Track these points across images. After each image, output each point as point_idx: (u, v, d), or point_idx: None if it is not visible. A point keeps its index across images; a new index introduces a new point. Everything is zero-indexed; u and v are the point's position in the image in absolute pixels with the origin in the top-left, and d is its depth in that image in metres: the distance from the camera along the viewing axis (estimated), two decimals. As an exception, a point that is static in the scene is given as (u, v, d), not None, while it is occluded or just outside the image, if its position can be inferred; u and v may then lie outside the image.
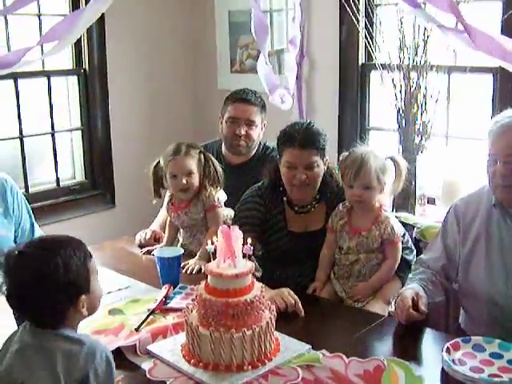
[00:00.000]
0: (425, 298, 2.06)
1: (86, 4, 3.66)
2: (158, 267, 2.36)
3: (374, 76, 3.67)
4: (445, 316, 2.50)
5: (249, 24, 4.02)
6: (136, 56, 4.05)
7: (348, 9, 3.36)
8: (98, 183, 4.05)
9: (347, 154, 2.39)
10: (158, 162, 2.67)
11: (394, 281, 2.37)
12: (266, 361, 1.79)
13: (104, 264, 2.61)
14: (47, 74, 3.74)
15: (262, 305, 1.81)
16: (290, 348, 1.87)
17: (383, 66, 3.35)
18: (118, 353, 1.86)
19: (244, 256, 1.82)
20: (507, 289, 2.06)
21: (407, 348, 1.94)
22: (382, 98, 3.71)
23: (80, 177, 4.05)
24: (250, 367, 1.76)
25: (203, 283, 1.86)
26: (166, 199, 3.04)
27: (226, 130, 2.94)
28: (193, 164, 2.59)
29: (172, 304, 2.18)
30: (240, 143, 2.92)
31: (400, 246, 2.36)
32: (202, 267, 2.32)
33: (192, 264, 2.51)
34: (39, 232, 2.75)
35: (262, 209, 2.45)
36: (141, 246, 2.84)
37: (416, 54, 3.17)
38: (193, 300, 2.18)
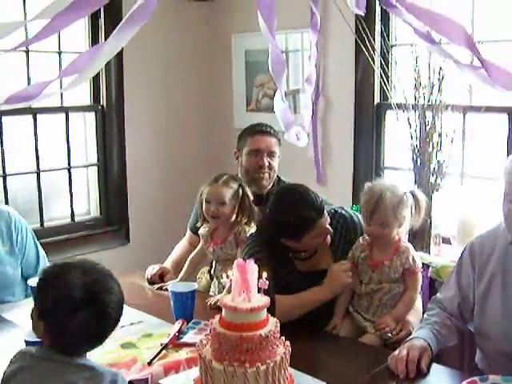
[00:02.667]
0: (429, 355, 2.01)
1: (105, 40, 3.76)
2: (172, 302, 2.35)
3: (390, 115, 3.69)
4: (459, 356, 2.45)
5: (265, 63, 4.08)
6: (153, 93, 4.11)
7: (364, 49, 3.41)
8: (113, 219, 4.07)
9: (365, 189, 2.38)
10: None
11: (414, 312, 2.37)
12: (281, 397, 1.76)
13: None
14: (65, 110, 3.80)
15: (276, 340, 1.79)
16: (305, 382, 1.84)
17: (399, 106, 3.37)
18: (130, 387, 1.85)
19: (259, 290, 1.80)
20: None
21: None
22: (397, 138, 3.74)
23: (95, 212, 4.06)
24: (264, 403, 1.73)
25: (217, 317, 1.84)
26: (187, 235, 3.05)
27: (247, 163, 2.94)
28: (227, 194, 2.60)
29: (185, 339, 2.16)
30: (263, 175, 2.92)
31: (420, 276, 2.35)
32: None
33: (215, 298, 2.50)
34: (45, 264, 2.76)
35: (269, 259, 2.42)
36: (148, 281, 2.83)
37: (431, 94, 3.19)
38: (206, 335, 2.19)
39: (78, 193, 3.96)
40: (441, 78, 3.20)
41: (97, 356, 2.02)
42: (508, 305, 2.08)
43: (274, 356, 1.77)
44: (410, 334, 2.25)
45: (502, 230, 2.16)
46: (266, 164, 2.91)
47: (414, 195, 2.37)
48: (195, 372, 1.88)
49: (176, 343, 2.13)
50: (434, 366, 2.00)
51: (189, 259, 2.81)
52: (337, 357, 2.10)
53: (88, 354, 1.97)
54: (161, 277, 2.83)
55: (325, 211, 2.35)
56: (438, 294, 2.32)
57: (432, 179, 3.29)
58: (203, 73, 4.34)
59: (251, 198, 2.68)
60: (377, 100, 3.70)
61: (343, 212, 2.53)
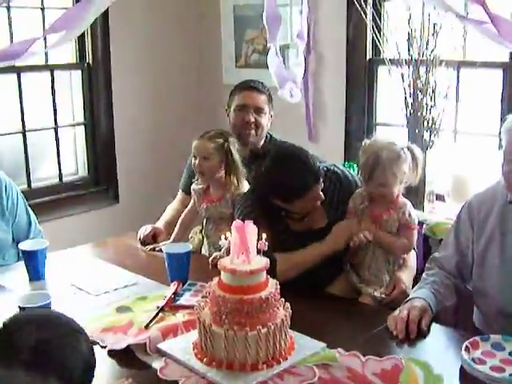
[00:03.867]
0: (430, 315, 2.00)
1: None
2: (167, 263, 2.31)
3: (382, 71, 3.63)
4: (456, 316, 2.45)
5: (254, 18, 4.03)
6: (140, 50, 4.00)
7: (356, 2, 3.32)
8: (101, 179, 4.00)
9: (362, 149, 2.33)
10: None
11: (407, 270, 2.36)
12: (281, 360, 1.74)
13: (109, 260, 2.59)
14: (50, 68, 3.68)
15: (276, 302, 1.77)
16: (305, 346, 1.82)
17: (392, 61, 3.30)
18: (128, 351, 1.83)
19: (258, 252, 1.77)
20: None
21: (423, 346, 1.90)
22: (390, 93, 3.69)
23: (83, 172, 3.99)
24: (264, 366, 1.71)
25: (216, 280, 1.81)
26: (178, 196, 3.00)
27: (234, 119, 2.89)
28: (210, 149, 2.57)
29: (181, 301, 2.13)
30: (249, 131, 2.86)
31: (416, 233, 2.33)
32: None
33: (216, 256, 2.47)
34: (36, 229, 2.71)
35: (261, 214, 2.38)
36: (141, 242, 2.80)
37: (427, 48, 3.12)
38: (203, 297, 2.16)
39: (65, 153, 3.87)
40: (435, 32, 3.13)
41: (92, 320, 2.01)
42: (506, 263, 2.07)
43: (274, 318, 1.75)
44: (403, 292, 2.25)
45: (500, 189, 2.13)
46: (252, 120, 2.85)
47: (411, 151, 2.33)
48: (193, 335, 1.87)
49: (172, 305, 2.10)
50: (434, 325, 1.99)
51: (180, 220, 2.78)
52: (336, 318, 2.07)
53: (81, 319, 1.96)
54: (154, 237, 2.79)
55: (321, 178, 2.30)
56: (436, 253, 2.30)
57: (426, 136, 3.25)
58: (191, 29, 4.23)
59: (235, 154, 2.62)
60: (369, 55, 3.63)
61: (336, 169, 2.48)
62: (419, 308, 1.99)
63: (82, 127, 3.92)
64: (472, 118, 3.41)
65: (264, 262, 1.76)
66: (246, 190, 2.59)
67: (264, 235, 1.77)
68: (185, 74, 4.27)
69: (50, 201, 3.73)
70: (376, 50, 3.60)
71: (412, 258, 2.41)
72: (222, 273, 1.76)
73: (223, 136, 2.61)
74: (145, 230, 2.80)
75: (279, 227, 2.39)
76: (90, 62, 3.81)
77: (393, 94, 3.62)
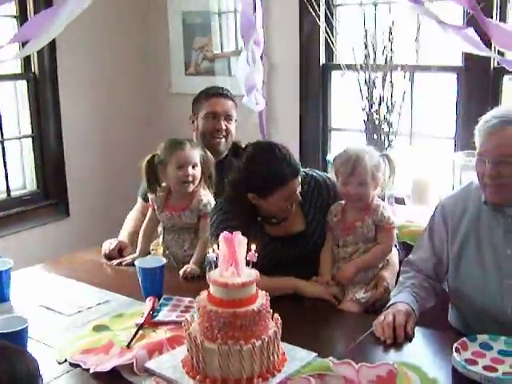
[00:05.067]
0: (414, 319, 2.02)
1: (33, 6, 3.51)
2: (140, 278, 2.23)
3: (335, 76, 3.65)
4: (433, 317, 2.47)
5: (204, 25, 3.98)
6: (87, 60, 3.86)
7: (309, 7, 3.32)
8: (51, 192, 3.85)
9: (341, 152, 2.35)
10: (153, 156, 2.58)
11: (389, 267, 2.36)
12: (275, 372, 1.70)
13: (76, 277, 2.48)
14: (-5, 79, 3.53)
15: (268, 313, 1.73)
16: (296, 357, 1.79)
17: (348, 67, 3.32)
18: (113, 372, 1.75)
19: (247, 264, 1.72)
20: (502, 300, 2.04)
21: (411, 350, 1.89)
22: (343, 99, 3.71)
23: (31, 186, 3.83)
24: (260, 380, 1.66)
25: (204, 294, 1.75)
26: (138, 205, 2.92)
27: (203, 127, 2.84)
28: (197, 157, 2.55)
29: (160, 317, 2.06)
30: (220, 140, 2.83)
31: (394, 234, 2.34)
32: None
33: (188, 269, 2.44)
34: None
35: (238, 221, 2.35)
36: (106, 257, 2.70)
37: (383, 54, 3.15)
38: (182, 311, 2.10)
39: (11, 166, 3.70)
40: (390, 37, 3.16)
41: (69, 342, 1.91)
42: (483, 263, 2.09)
43: (266, 330, 1.72)
44: (387, 289, 2.27)
45: (473, 190, 2.17)
46: (224, 128, 2.81)
47: (388, 159, 2.36)
48: (180, 352, 1.81)
49: (151, 322, 2.03)
50: (417, 329, 2.00)
51: (141, 232, 2.69)
52: (320, 327, 2.05)
53: (58, 341, 1.86)
54: (119, 251, 2.69)
55: (299, 175, 2.29)
56: (410, 256, 2.31)
57: (384, 140, 3.28)
58: (138, 36, 4.13)
59: (212, 161, 2.60)
60: (322, 60, 3.63)
61: (314, 174, 2.47)
62: (404, 312, 1.99)
63: (30, 140, 3.76)
64: (427, 121, 3.47)
65: (254, 273, 1.72)
66: (211, 201, 2.55)
67: (253, 246, 1.72)
68: (133, 83, 4.18)
69: (-1, 217, 3.57)
70: (329, 54, 3.62)
71: (395, 256, 2.41)
72: (212, 287, 1.70)
73: (197, 144, 2.59)
74: (109, 245, 2.70)
75: (256, 233, 2.35)
76: (36, 72, 3.66)
77: (346, 99, 3.66)
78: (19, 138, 3.76)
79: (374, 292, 2.28)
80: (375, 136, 3.29)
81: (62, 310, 2.16)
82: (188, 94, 3.98)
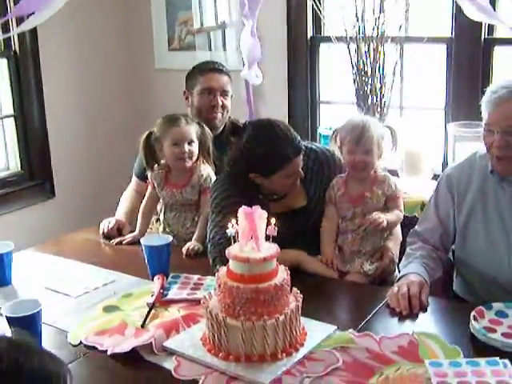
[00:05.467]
0: (427, 289, 2.02)
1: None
2: (146, 257, 2.19)
3: (323, 49, 3.62)
4: (440, 286, 2.48)
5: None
6: (68, 38, 3.76)
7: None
8: (36, 173, 3.75)
9: (346, 122, 2.32)
10: (150, 133, 2.53)
11: (393, 238, 2.35)
12: (298, 346, 1.69)
13: (75, 258, 2.43)
14: (-26, 58, 3.41)
15: (288, 287, 1.71)
16: (316, 330, 1.78)
17: (338, 39, 3.29)
18: (131, 353, 1.70)
19: (267, 238, 1.70)
20: (510, 268, 2.05)
21: (426, 320, 1.90)
22: (331, 72, 3.69)
23: (15, 167, 3.73)
24: (284, 355, 1.65)
25: (223, 270, 1.72)
26: (133, 184, 2.87)
27: (199, 103, 2.78)
28: (193, 133, 2.49)
29: (171, 295, 2.03)
30: (216, 115, 2.77)
31: (402, 202, 2.34)
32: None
33: (191, 246, 2.41)
34: None
35: (240, 197, 2.31)
36: (105, 236, 2.65)
37: (375, 25, 3.12)
38: (192, 289, 2.08)
39: (-7, 147, 3.61)
40: (381, 8, 3.14)
41: (81, 324, 1.87)
42: (490, 233, 2.11)
43: (288, 305, 1.70)
44: (392, 260, 2.27)
45: (478, 160, 2.17)
46: (220, 103, 2.77)
47: (391, 130, 2.36)
48: (198, 330, 1.79)
49: (162, 301, 1.99)
50: (429, 298, 2.00)
51: (141, 210, 2.64)
52: (332, 299, 2.05)
53: (69, 323, 1.81)
54: (118, 230, 2.64)
55: (301, 152, 2.26)
56: (416, 227, 2.31)
57: (375, 113, 3.27)
58: (121, 12, 4.02)
59: (210, 135, 2.55)
60: (310, 33, 3.59)
61: (314, 147, 2.45)
62: (417, 283, 2.00)
63: (12, 120, 3.65)
64: (417, 93, 3.47)
65: (274, 247, 1.70)
66: (211, 175, 2.51)
67: (273, 220, 1.69)
68: (115, 59, 4.08)
69: (-18, 200, 3.48)
70: (317, 27, 3.58)
71: (398, 227, 2.41)
72: (232, 262, 1.68)
73: (193, 119, 2.53)
74: (108, 224, 2.64)
75: (255, 205, 2.32)
76: (17, 50, 3.54)
77: (335, 72, 3.64)
78: (1, 118, 3.64)
79: (380, 263, 2.28)
80: (366, 109, 3.28)
81: (69, 292, 2.11)
82: (172, 69, 3.97)
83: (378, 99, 3.24)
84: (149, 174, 2.58)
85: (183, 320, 1.86)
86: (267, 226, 1.69)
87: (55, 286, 2.16)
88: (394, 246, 2.35)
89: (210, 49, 3.89)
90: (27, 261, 2.41)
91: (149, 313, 1.91)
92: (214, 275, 2.14)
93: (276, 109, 3.69)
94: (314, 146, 2.46)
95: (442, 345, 1.71)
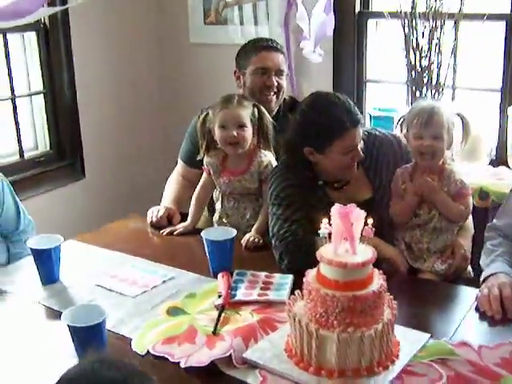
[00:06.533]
0: None
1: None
2: (208, 252, 2.02)
3: (371, 25, 3.41)
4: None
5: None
6: (99, 11, 3.53)
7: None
8: (65, 153, 3.58)
9: (413, 106, 2.19)
10: (207, 114, 2.34)
11: (465, 233, 2.21)
12: (394, 358, 1.53)
13: (124, 250, 2.25)
14: (3, 31, 3.19)
15: (386, 294, 1.55)
16: (408, 339, 1.62)
17: (391, 14, 3.09)
18: (208, 365, 1.54)
19: (362, 240, 1.53)
20: None
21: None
22: (380, 49, 3.49)
23: (43, 147, 3.55)
24: (380, 368, 1.49)
25: (312, 274, 1.56)
26: (179, 168, 2.69)
27: (252, 83, 2.58)
28: (246, 116, 2.28)
29: (240, 296, 1.86)
30: (271, 97, 2.58)
31: (471, 198, 2.17)
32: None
33: (251, 238, 2.24)
34: (26, 220, 2.36)
35: (300, 186, 2.16)
36: (153, 226, 2.47)
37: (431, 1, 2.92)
38: (262, 288, 1.91)
39: (23, 126, 3.41)
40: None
41: (145, 329, 1.71)
42: None
43: (382, 313, 1.53)
44: (464, 257, 2.13)
45: None
46: (275, 84, 2.57)
47: (462, 117, 2.17)
48: (279, 338, 1.63)
49: (231, 302, 1.83)
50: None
51: (194, 198, 2.46)
52: (412, 301, 1.87)
53: (131, 329, 1.68)
54: (168, 219, 2.47)
55: (360, 125, 2.10)
56: (495, 221, 2.15)
57: (429, 94, 3.08)
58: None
59: (269, 118, 2.36)
60: (358, 8, 3.38)
61: (377, 133, 2.28)
62: (509, 284, 1.83)
63: (41, 97, 3.46)
64: (471, 73, 3.28)
65: (370, 250, 1.53)
66: (273, 162, 2.34)
67: (370, 220, 1.52)
68: (148, 33, 3.89)
69: (12, 181, 3.29)
70: (365, 2, 3.38)
71: (470, 222, 2.26)
72: (325, 267, 1.51)
73: (249, 100, 2.33)
74: (157, 212, 2.46)
75: (319, 200, 2.16)
76: (47, 22, 3.34)
77: (382, 49, 3.44)
78: (30, 95, 3.45)
79: (452, 261, 2.13)
80: (419, 89, 3.09)
81: (124, 291, 1.94)
82: (208, 43, 3.77)
83: (434, 79, 3.05)
84: (204, 159, 2.39)
85: (260, 326, 1.70)
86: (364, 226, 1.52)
87: (108, 283, 1.99)
88: (465, 241, 2.20)
89: (242, 23, 3.68)
90: (72, 253, 2.20)
91: (219, 317, 1.74)
92: (281, 271, 2.02)
93: (320, 87, 3.46)
94: (377, 132, 2.29)
95: (549, 357, 1.56)
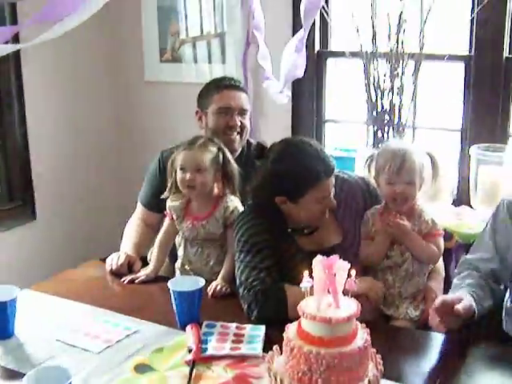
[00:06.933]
0: (468, 301, 1.83)
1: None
2: (175, 303, 1.91)
3: (331, 64, 3.41)
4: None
5: (178, 9, 3.62)
6: (52, 48, 3.40)
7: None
8: (16, 193, 3.42)
9: (382, 149, 2.16)
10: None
11: (438, 277, 2.20)
12: (379, 417, 1.46)
13: (84, 300, 2.11)
14: None
15: (370, 350, 1.47)
16: (392, 395, 1.55)
17: (352, 54, 3.08)
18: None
19: (345, 292, 1.46)
20: None
21: (498, 374, 1.70)
22: (338, 88, 3.49)
23: (-8, 187, 3.39)
24: (368, 429, 1.42)
25: (291, 330, 1.47)
26: (139, 212, 2.59)
27: (215, 123, 2.50)
28: (206, 160, 2.19)
29: (211, 351, 1.75)
30: (234, 137, 2.50)
31: (442, 240, 2.13)
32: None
33: (218, 286, 2.15)
34: None
35: (268, 232, 2.08)
36: (113, 273, 2.35)
37: (397, 41, 2.93)
38: (234, 341, 1.81)
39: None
40: (400, 23, 2.94)
41: (111, 388, 1.59)
42: None
43: (367, 369, 1.46)
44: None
45: None
46: (238, 124, 2.50)
47: (432, 158, 2.15)
48: (255, 396, 1.53)
49: (203, 357, 1.73)
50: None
51: (157, 244, 2.35)
52: (392, 350, 1.80)
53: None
54: (128, 266, 2.35)
55: (333, 175, 2.05)
56: (467, 256, 2.14)
57: (390, 133, 3.07)
58: (108, 22, 3.69)
59: (233, 163, 2.28)
60: (317, 47, 3.37)
61: (345, 177, 2.23)
62: (450, 297, 1.85)
63: (-9, 137, 3.31)
64: (430, 113, 3.29)
65: (354, 303, 1.46)
66: (239, 207, 2.26)
67: (353, 271, 1.45)
68: (102, 71, 3.78)
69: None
70: (324, 41, 3.37)
71: (441, 264, 2.23)
72: (308, 322, 1.43)
73: (215, 143, 2.25)
74: (117, 259, 2.34)
75: (288, 247, 2.10)
76: (-3, 62, 3.21)
77: (340, 89, 3.44)
78: (-23, 134, 3.30)
79: (424, 307, 2.09)
80: (380, 129, 3.08)
81: (87, 346, 1.80)
82: (164, 81, 3.70)
83: (396, 118, 3.04)
84: (167, 203, 2.30)
85: (235, 383, 1.60)
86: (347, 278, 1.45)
87: (69, 338, 1.85)
88: (436, 284, 2.18)
89: (196, 61, 3.64)
90: (27, 304, 2.04)
91: (191, 374, 1.64)
92: (250, 321, 1.93)
93: (279, 127, 3.45)
94: (345, 176, 2.24)
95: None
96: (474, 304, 1.86)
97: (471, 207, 3.00)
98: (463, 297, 1.85)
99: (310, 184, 2.00)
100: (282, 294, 1.95)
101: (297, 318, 1.47)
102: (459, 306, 1.78)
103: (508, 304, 2.09)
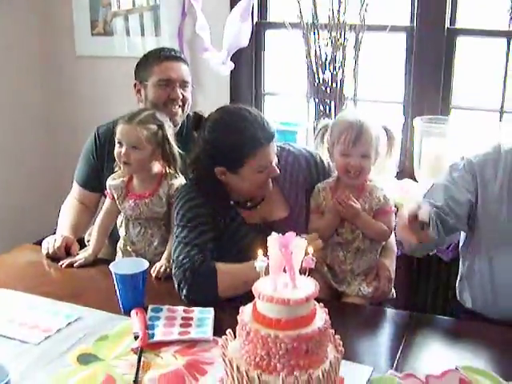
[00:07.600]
0: (428, 210, 1.73)
1: None
2: (119, 287, 1.80)
3: (270, 35, 3.32)
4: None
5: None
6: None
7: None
8: None
9: (338, 119, 2.05)
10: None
11: (389, 254, 2.14)
12: (342, 398, 1.40)
13: (19, 287, 1.97)
14: None
15: (330, 330, 1.41)
16: (349, 374, 1.49)
17: (292, 25, 3.00)
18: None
19: (302, 271, 1.38)
20: None
21: (459, 347, 1.68)
22: (277, 61, 3.41)
23: None
24: (329, 413, 1.35)
25: (246, 312, 1.39)
26: (75, 192, 2.45)
27: (155, 96, 2.37)
28: (143, 138, 2.07)
29: (159, 336, 1.66)
30: (176, 110, 2.38)
31: (394, 216, 2.07)
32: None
33: (162, 267, 2.05)
34: None
35: (209, 206, 1.99)
36: (49, 257, 2.21)
37: (338, 12, 2.86)
38: (182, 325, 1.72)
39: None
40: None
41: (56, 382, 1.48)
42: None
43: (326, 351, 1.39)
44: (389, 279, 2.06)
45: (503, 155, 1.98)
46: (180, 96, 2.38)
47: (387, 131, 2.08)
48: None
49: (150, 344, 1.63)
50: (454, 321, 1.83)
51: (97, 225, 2.22)
52: (347, 328, 1.73)
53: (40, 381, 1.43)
54: (65, 249, 2.21)
55: (275, 141, 1.96)
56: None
57: (332, 105, 3.02)
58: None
59: (172, 142, 2.16)
60: (256, 18, 3.26)
61: (291, 148, 2.15)
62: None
63: None
64: (371, 85, 3.25)
65: (312, 282, 1.38)
66: (183, 183, 2.15)
67: (310, 249, 1.38)
68: (31, 46, 3.57)
69: None
70: (262, 12, 3.27)
71: (393, 241, 2.17)
72: (264, 304, 1.34)
73: (156, 120, 2.12)
74: (54, 242, 2.20)
75: (231, 221, 2.02)
76: None
77: (280, 61, 3.37)
78: None
79: (377, 283, 2.05)
80: (321, 101, 3.02)
81: (26, 338, 1.67)
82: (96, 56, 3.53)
83: (338, 91, 2.99)
84: (108, 182, 2.17)
85: (187, 371, 1.51)
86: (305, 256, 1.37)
87: (6, 330, 1.71)
88: (389, 262, 2.13)
89: (128, 34, 3.49)
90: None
91: (139, 363, 1.54)
92: (195, 305, 1.83)
93: (218, 100, 3.33)
94: (291, 148, 2.16)
95: (496, 382, 1.48)
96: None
97: (415, 180, 2.98)
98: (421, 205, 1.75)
99: (249, 152, 1.89)
100: (211, 273, 1.86)
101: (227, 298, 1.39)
102: (423, 215, 1.68)
103: (464, 272, 2.08)
